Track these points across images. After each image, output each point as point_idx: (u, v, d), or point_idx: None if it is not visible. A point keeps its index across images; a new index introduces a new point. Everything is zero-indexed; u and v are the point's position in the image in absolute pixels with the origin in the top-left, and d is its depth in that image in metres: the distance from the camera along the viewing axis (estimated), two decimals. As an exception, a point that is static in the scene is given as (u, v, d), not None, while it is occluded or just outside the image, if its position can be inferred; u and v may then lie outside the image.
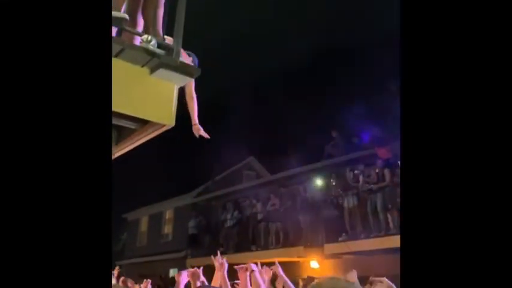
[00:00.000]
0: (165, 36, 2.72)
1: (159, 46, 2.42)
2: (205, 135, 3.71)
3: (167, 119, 2.41)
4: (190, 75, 2.42)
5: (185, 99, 3.68)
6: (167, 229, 18.03)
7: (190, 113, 3.68)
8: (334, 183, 10.46)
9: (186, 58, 3.05)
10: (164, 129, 2.46)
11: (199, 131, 3.67)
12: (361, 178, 9.43)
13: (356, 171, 9.72)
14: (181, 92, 3.59)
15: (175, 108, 2.43)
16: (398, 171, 8.96)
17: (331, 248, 9.90)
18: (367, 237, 9.18)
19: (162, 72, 2.36)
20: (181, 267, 14.90)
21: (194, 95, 3.70)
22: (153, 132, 2.51)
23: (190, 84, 3.63)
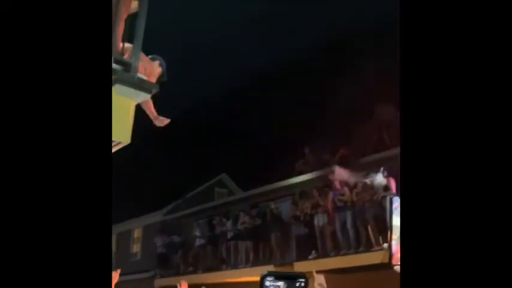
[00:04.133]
0: (126, 44, 2.63)
1: (116, 62, 2.36)
2: (167, 120, 3.55)
3: (123, 136, 2.34)
4: (147, 91, 2.37)
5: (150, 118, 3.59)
6: (135, 248, 17.56)
7: (147, 111, 3.44)
8: (304, 201, 10.47)
9: (148, 64, 2.96)
10: (120, 146, 2.38)
11: (163, 121, 3.51)
12: (329, 197, 9.45)
13: (322, 191, 9.78)
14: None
15: (132, 125, 2.36)
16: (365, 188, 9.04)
17: (301, 266, 9.83)
18: (337, 254, 9.18)
19: (118, 88, 2.30)
20: None
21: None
22: (108, 149, 2.43)
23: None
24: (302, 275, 1.05)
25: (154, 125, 3.56)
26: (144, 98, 2.53)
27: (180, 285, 4.10)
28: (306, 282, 1.04)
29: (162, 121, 3.51)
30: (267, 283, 1.01)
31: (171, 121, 3.56)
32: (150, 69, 2.96)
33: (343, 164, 9.99)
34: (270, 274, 1.03)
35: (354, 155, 10.34)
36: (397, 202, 7.65)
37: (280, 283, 1.02)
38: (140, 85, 2.35)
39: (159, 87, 2.44)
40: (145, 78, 2.49)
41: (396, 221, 7.57)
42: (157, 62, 3.28)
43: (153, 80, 2.88)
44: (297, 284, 1.03)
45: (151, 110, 3.41)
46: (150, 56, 3.19)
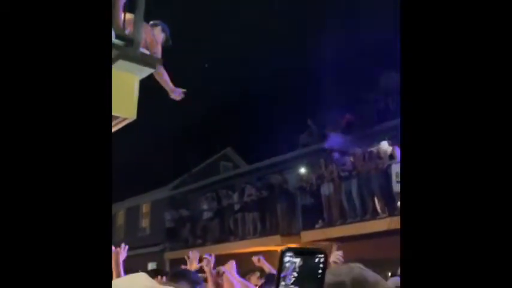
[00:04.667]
0: (127, 15, 2.57)
1: (118, 37, 2.34)
2: (183, 91, 3.38)
3: (129, 111, 2.35)
4: (151, 65, 2.36)
5: (155, 87, 3.45)
6: (144, 223, 17.86)
7: (163, 84, 3.27)
8: (309, 172, 10.54)
9: (149, 33, 2.86)
10: (126, 122, 2.39)
11: (180, 93, 3.35)
12: (334, 167, 9.51)
13: (328, 161, 9.84)
14: (151, 85, 3.40)
15: (137, 100, 2.37)
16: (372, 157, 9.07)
17: (308, 235, 9.99)
18: (343, 223, 9.30)
19: (121, 63, 2.29)
20: (160, 261, 14.82)
21: (163, 71, 3.25)
22: (114, 125, 2.44)
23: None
24: (321, 250, 1.02)
25: (170, 98, 3.37)
26: (148, 73, 2.52)
27: (189, 258, 3.91)
28: (326, 258, 1.01)
29: (179, 94, 3.35)
30: (286, 258, 0.99)
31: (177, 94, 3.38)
32: (153, 38, 2.85)
33: (349, 130, 10.01)
34: (289, 250, 1.00)
35: (359, 123, 10.32)
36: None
37: (298, 259, 1.00)
38: (143, 60, 2.34)
39: (165, 52, 2.41)
40: (148, 52, 2.48)
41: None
42: (159, 28, 3.15)
43: (158, 47, 2.79)
44: (316, 260, 1.00)
45: (167, 83, 3.25)
46: (151, 23, 3.07)
